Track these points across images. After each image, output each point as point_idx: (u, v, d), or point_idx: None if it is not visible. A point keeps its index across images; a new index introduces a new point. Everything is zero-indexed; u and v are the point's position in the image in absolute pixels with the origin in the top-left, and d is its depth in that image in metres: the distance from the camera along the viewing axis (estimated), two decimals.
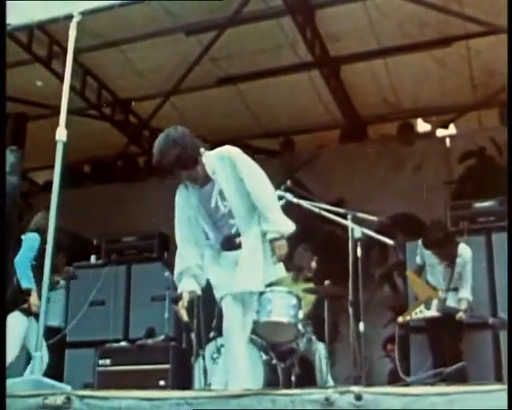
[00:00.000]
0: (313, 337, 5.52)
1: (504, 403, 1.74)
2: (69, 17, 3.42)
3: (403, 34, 6.91)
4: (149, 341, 6.01)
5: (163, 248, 7.13)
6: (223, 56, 7.31)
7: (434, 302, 5.79)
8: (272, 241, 3.79)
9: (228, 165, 3.86)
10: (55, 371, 5.80)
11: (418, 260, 6.04)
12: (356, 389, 1.85)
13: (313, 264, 6.25)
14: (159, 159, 3.75)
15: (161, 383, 5.32)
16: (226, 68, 7.53)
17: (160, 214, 7.98)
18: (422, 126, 8.57)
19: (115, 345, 6.03)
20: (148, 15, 6.52)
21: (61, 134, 3.21)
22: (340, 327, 6.73)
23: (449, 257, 5.71)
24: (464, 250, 5.77)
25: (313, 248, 6.51)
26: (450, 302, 5.76)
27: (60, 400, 2.09)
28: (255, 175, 3.88)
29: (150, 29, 6.81)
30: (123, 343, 6.21)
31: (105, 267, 7.09)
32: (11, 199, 7.19)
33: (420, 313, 5.87)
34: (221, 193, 3.86)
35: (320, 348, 5.40)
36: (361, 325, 4.82)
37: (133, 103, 8.36)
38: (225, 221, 3.94)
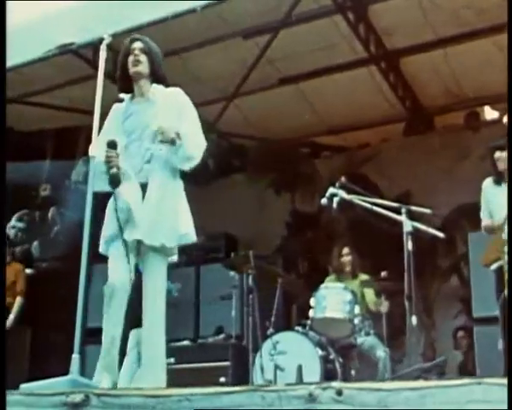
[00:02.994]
0: (371, 332, 5.57)
1: (473, 396, 1.81)
2: (101, 40, 3.65)
3: (460, 23, 6.81)
4: (210, 339, 6.24)
5: (229, 248, 7.35)
6: (281, 57, 7.42)
7: None
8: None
9: (173, 98, 3.87)
10: None
11: (485, 216, 5.36)
12: (337, 384, 1.95)
13: (346, 258, 6.26)
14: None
15: (222, 379, 5.53)
16: (285, 69, 7.64)
17: (226, 215, 8.25)
18: (490, 114, 8.40)
19: (178, 344, 6.27)
20: (203, 24, 6.70)
21: (94, 150, 3.44)
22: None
23: None
24: None
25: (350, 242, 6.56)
26: None
27: (79, 397, 2.29)
28: (194, 118, 3.88)
29: (207, 36, 7.01)
30: (185, 342, 6.46)
31: (175, 269, 7.34)
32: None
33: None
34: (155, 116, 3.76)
35: (375, 343, 5.46)
36: (413, 319, 4.81)
37: None
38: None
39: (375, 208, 5.14)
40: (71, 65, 6.97)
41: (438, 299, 7.54)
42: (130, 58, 3.86)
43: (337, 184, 5.33)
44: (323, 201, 5.25)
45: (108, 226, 3.78)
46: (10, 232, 7.69)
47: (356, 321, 5.40)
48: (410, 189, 7.84)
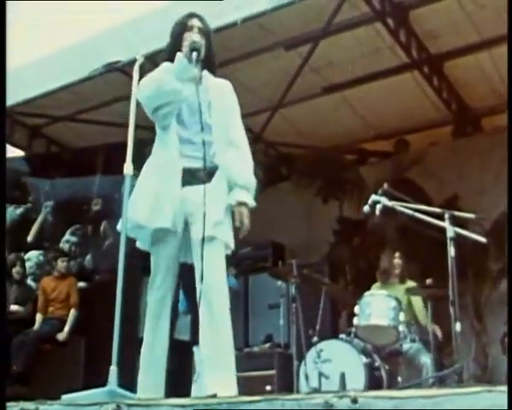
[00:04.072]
0: (417, 338, 5.55)
1: (487, 403, 1.82)
2: (133, 61, 3.73)
3: (504, 23, 6.72)
4: (256, 348, 6.30)
5: (277, 257, 7.41)
6: (324, 65, 7.46)
7: None
8: (237, 205, 3.41)
9: (224, 89, 3.67)
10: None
11: None
12: (352, 393, 1.99)
13: (396, 260, 6.28)
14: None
15: (268, 388, 5.59)
16: (329, 77, 7.67)
17: (273, 224, 8.30)
18: None
19: None
20: (246, 36, 6.80)
21: (128, 169, 3.54)
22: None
23: None
24: None
25: (398, 247, 6.53)
26: None
27: (111, 408, 2.39)
28: (240, 120, 3.65)
29: (249, 49, 7.10)
30: None
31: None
32: None
33: None
34: (210, 105, 3.52)
35: (420, 349, 5.44)
36: (457, 325, 4.76)
37: None
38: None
39: (417, 215, 5.11)
40: (118, 82, 7.15)
41: (489, 303, 7.44)
42: (187, 36, 3.54)
43: (380, 191, 5.32)
44: (366, 208, 5.25)
45: (155, 217, 3.39)
46: (64, 246, 7.93)
47: (401, 328, 5.38)
48: (459, 192, 7.76)
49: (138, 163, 7.85)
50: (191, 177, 3.44)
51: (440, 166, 8.03)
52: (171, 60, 3.50)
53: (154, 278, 3.51)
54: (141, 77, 3.68)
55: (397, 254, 6.38)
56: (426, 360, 5.37)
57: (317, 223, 8.56)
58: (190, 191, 3.41)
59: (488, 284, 7.52)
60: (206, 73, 3.61)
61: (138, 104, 3.82)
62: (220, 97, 3.60)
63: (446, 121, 8.27)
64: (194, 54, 3.41)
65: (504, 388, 1.80)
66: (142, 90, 3.53)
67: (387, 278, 6.37)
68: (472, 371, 7.12)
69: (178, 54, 3.45)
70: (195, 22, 3.58)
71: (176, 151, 3.47)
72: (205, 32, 3.58)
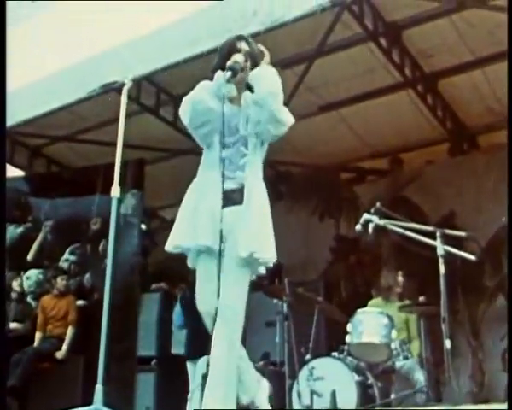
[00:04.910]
0: (409, 355, 5.57)
1: None
2: (122, 85, 3.79)
3: (496, 42, 6.79)
4: None
5: (274, 275, 7.42)
6: (320, 85, 7.55)
7: None
8: None
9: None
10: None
11: None
12: None
13: (400, 278, 6.33)
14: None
15: None
16: (325, 96, 7.76)
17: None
18: None
19: None
20: None
21: (115, 191, 3.62)
22: (455, 342, 6.70)
23: None
24: None
25: (397, 265, 6.57)
26: None
27: None
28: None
29: None
30: None
31: None
32: (135, 238, 7.84)
33: None
34: (248, 119, 3.57)
35: (414, 366, 5.46)
36: (447, 342, 4.77)
37: None
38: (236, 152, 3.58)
39: (409, 233, 5.14)
40: (115, 102, 7.22)
41: (485, 320, 7.45)
42: (233, 57, 3.59)
43: (372, 210, 5.35)
44: (358, 227, 5.27)
45: (200, 234, 3.51)
46: (64, 265, 7.99)
47: (393, 345, 5.41)
48: (455, 209, 7.81)
49: (139, 182, 7.92)
50: (226, 198, 3.48)
51: (437, 184, 8.08)
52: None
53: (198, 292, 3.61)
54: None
55: (400, 273, 6.43)
56: (419, 376, 5.39)
57: (314, 241, 8.61)
58: (225, 213, 3.46)
59: (484, 301, 7.53)
60: (248, 93, 3.64)
61: (127, 125, 3.91)
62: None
63: (442, 139, 8.32)
64: (229, 73, 3.47)
65: (467, 406, 1.84)
66: (182, 108, 3.61)
67: (389, 296, 6.40)
68: (468, 388, 7.13)
69: (218, 72, 3.54)
70: (243, 45, 3.65)
71: (216, 172, 3.52)
72: (251, 55, 3.63)
